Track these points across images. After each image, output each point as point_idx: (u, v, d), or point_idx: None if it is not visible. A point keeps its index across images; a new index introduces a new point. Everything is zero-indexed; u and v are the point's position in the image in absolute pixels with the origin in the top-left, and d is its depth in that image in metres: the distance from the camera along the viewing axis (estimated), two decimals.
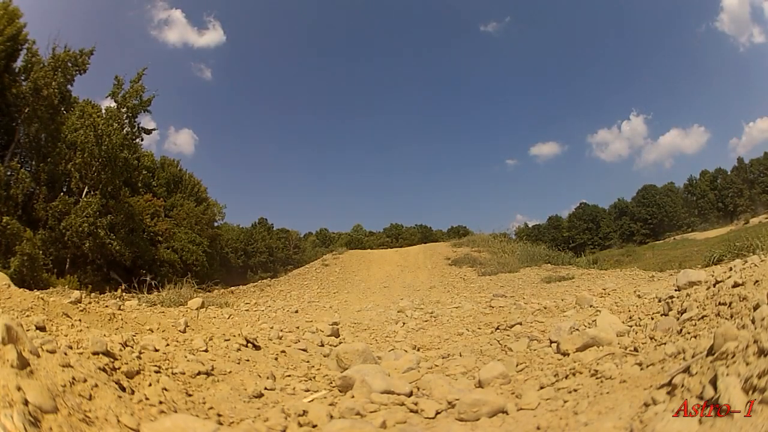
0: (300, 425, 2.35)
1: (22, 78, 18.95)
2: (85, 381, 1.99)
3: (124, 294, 10.69)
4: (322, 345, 5.44)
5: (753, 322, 2.15)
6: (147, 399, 2.24)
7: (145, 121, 27.51)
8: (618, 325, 3.72)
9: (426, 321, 7.88)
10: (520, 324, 5.73)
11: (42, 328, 3.12)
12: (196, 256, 25.93)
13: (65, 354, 2.20)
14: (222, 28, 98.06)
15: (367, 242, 54.96)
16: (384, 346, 5.97)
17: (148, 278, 12.29)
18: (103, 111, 20.88)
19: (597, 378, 2.53)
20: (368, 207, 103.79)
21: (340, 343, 5.65)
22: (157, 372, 2.68)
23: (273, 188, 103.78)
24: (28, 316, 3.72)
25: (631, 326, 3.72)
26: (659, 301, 4.06)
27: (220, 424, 2.34)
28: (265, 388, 3.11)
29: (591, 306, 5.77)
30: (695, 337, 2.67)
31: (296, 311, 10.35)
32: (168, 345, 3.49)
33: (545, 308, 6.85)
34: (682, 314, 3.22)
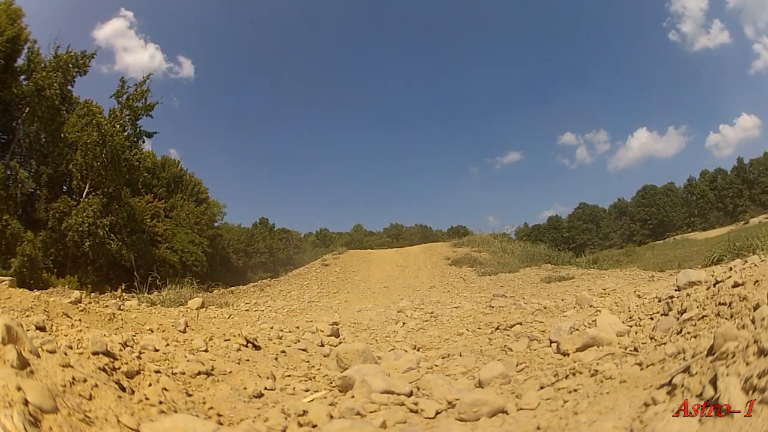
0: (300, 425, 2.35)
1: (23, 78, 18.98)
2: (85, 381, 1.98)
3: (124, 294, 10.65)
4: (322, 345, 5.44)
5: (753, 322, 2.15)
6: (147, 399, 2.23)
7: (147, 123, 27.63)
8: (618, 325, 3.72)
9: (426, 321, 7.87)
10: (520, 324, 5.73)
11: (42, 328, 3.13)
12: (196, 256, 25.99)
13: (65, 354, 2.20)
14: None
15: (367, 242, 54.85)
16: (384, 346, 5.96)
17: (148, 278, 12.27)
18: (106, 112, 20.99)
19: (597, 378, 2.52)
20: (368, 207, 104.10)
21: (340, 343, 5.65)
22: (157, 372, 2.68)
23: (274, 188, 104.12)
24: (28, 316, 3.71)
25: (631, 326, 3.71)
26: (659, 301, 4.05)
27: (220, 424, 2.34)
28: (265, 388, 3.11)
29: (591, 306, 5.76)
30: (695, 337, 2.67)
31: (296, 311, 10.34)
32: (168, 345, 3.50)
33: (545, 308, 6.84)
34: (682, 314, 3.22)
